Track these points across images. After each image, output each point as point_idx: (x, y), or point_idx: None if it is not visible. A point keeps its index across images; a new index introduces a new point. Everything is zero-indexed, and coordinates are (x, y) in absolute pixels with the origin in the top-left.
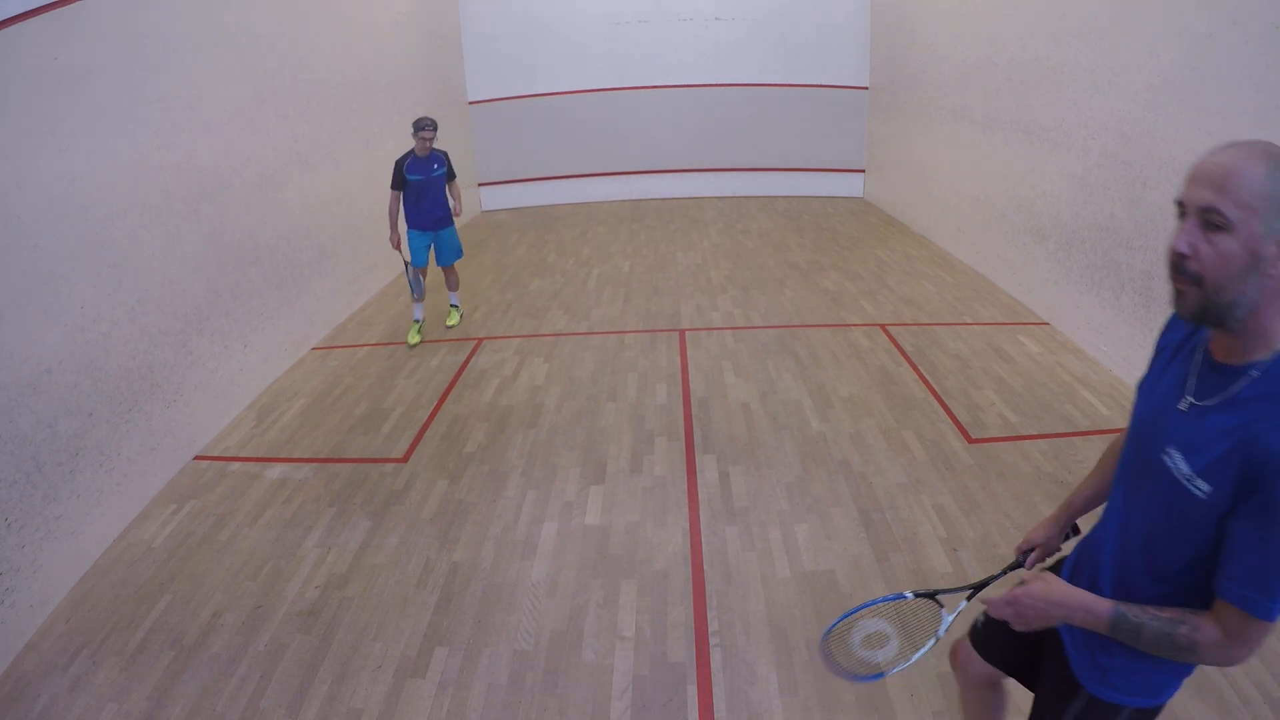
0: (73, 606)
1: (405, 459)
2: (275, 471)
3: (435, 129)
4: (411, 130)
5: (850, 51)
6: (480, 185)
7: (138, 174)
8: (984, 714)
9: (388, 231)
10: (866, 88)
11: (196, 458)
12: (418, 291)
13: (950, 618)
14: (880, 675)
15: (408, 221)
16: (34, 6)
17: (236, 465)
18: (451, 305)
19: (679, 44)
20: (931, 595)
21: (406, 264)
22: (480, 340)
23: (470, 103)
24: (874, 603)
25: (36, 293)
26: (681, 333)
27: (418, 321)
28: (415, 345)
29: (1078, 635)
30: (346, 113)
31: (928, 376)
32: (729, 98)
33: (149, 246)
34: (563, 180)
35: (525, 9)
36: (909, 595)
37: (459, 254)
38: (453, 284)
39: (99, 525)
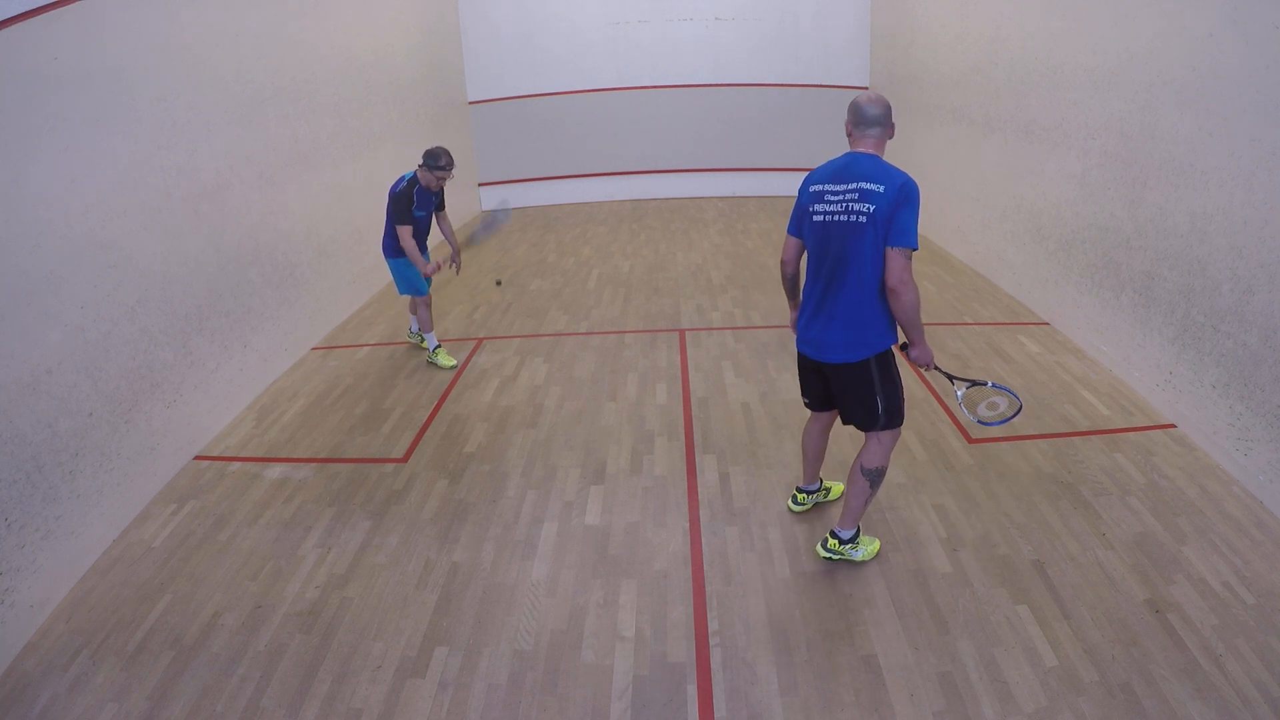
0: (73, 606)
1: (405, 459)
2: (275, 471)
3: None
4: (426, 163)
5: (850, 51)
6: (480, 185)
7: (138, 174)
8: (818, 444)
9: (420, 262)
10: (866, 88)
11: (196, 458)
12: (505, 216)
13: (960, 391)
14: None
15: (392, 251)
16: (34, 6)
17: (236, 465)
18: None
19: (679, 44)
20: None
21: (469, 242)
22: (480, 340)
23: (470, 103)
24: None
25: (36, 293)
26: (681, 333)
27: (439, 347)
28: (454, 366)
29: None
30: (346, 113)
31: (927, 376)
32: (729, 98)
33: (149, 246)
34: (563, 180)
35: (525, 9)
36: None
37: None
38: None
39: (99, 525)
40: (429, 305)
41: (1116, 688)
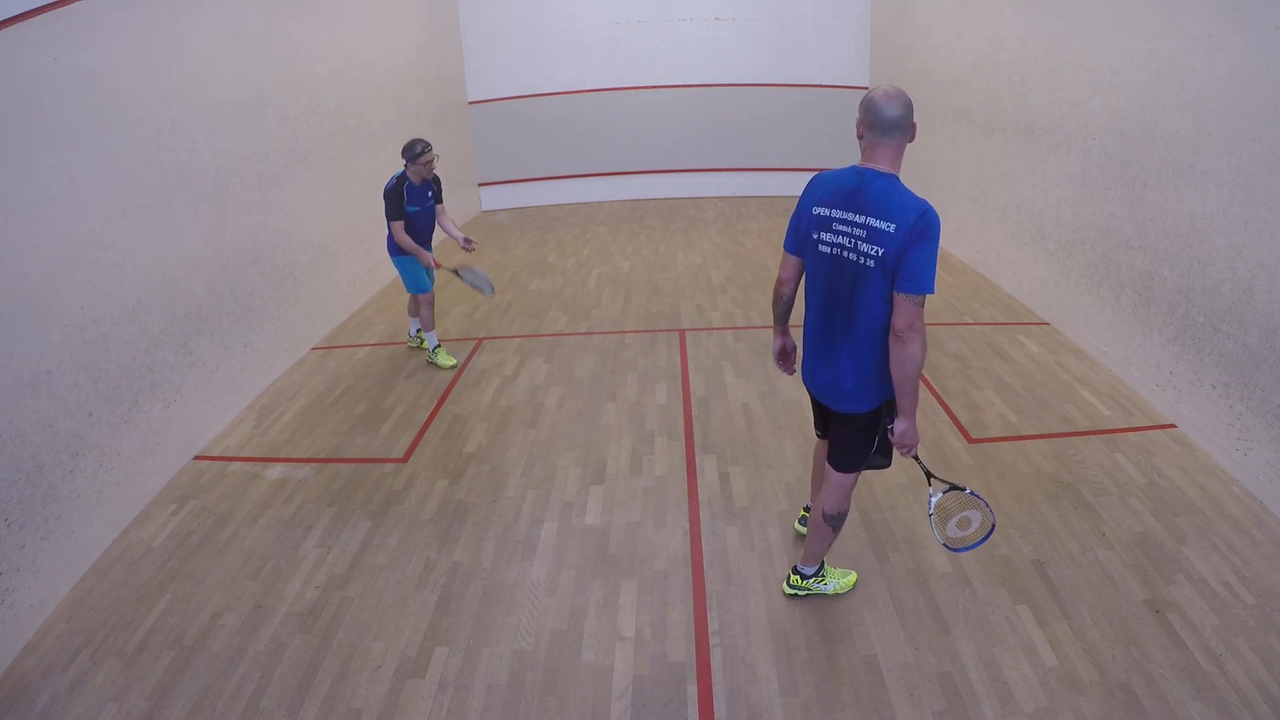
0: (73, 606)
1: (405, 459)
2: (275, 471)
3: (432, 149)
4: (404, 157)
5: (850, 52)
6: (480, 185)
7: (138, 174)
8: (824, 464)
9: (420, 254)
10: (866, 88)
11: (196, 458)
12: (488, 288)
13: (935, 496)
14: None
15: (395, 249)
16: (34, 6)
17: (236, 465)
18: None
19: (679, 44)
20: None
21: (457, 272)
22: (480, 340)
23: (470, 103)
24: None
25: (36, 293)
26: (681, 333)
27: (439, 346)
28: (454, 365)
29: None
30: (346, 113)
31: (928, 376)
32: (729, 98)
33: (149, 246)
34: (563, 180)
35: (525, 8)
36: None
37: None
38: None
39: (99, 525)
40: (431, 304)
41: (1116, 688)
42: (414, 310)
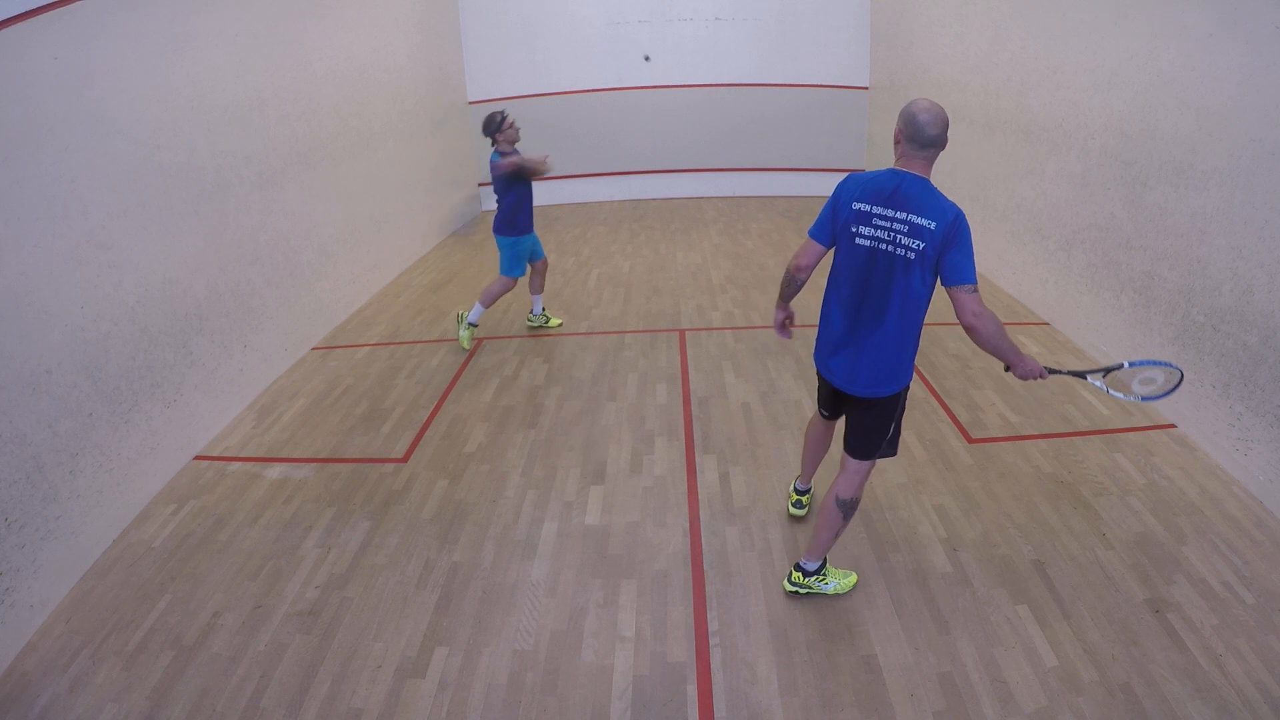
0: (73, 606)
1: (405, 459)
2: (275, 471)
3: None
4: (491, 132)
5: (850, 51)
6: (480, 185)
7: (138, 174)
8: (821, 440)
9: (521, 165)
10: (866, 88)
11: (196, 458)
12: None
13: (1096, 382)
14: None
15: (520, 229)
16: (34, 6)
17: (236, 465)
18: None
19: (679, 44)
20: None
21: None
22: (480, 340)
23: (470, 103)
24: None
25: (36, 293)
26: (681, 333)
27: (474, 325)
28: (465, 349)
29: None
30: (346, 113)
31: (928, 376)
32: (729, 98)
33: (149, 246)
34: (563, 180)
35: (525, 9)
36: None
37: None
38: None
39: (99, 525)
40: (508, 289)
41: (1116, 688)
42: (536, 287)
